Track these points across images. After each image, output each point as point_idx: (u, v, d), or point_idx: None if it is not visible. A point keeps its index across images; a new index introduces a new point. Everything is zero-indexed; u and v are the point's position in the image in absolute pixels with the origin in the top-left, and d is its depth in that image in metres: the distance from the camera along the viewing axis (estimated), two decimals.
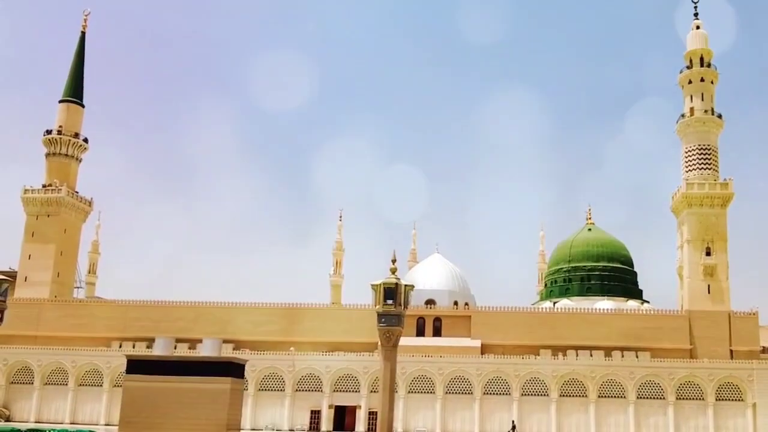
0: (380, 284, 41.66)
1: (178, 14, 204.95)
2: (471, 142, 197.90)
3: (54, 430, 38.51)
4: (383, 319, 41.49)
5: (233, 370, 46.04)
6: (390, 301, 41.41)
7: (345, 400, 73.85)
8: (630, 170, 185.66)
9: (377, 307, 41.75)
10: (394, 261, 43.81)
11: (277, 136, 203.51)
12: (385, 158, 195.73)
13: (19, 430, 36.25)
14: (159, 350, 47.22)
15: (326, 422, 72.97)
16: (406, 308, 42.28)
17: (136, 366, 45.80)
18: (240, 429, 47.27)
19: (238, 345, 78.96)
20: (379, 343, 41.89)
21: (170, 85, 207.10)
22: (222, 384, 44.15)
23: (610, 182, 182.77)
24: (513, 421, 67.84)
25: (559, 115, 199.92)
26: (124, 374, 74.99)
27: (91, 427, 69.97)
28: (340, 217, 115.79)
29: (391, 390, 40.88)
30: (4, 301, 42.57)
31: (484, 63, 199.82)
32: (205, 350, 47.01)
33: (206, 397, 43.63)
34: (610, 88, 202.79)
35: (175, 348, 78.33)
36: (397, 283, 41.62)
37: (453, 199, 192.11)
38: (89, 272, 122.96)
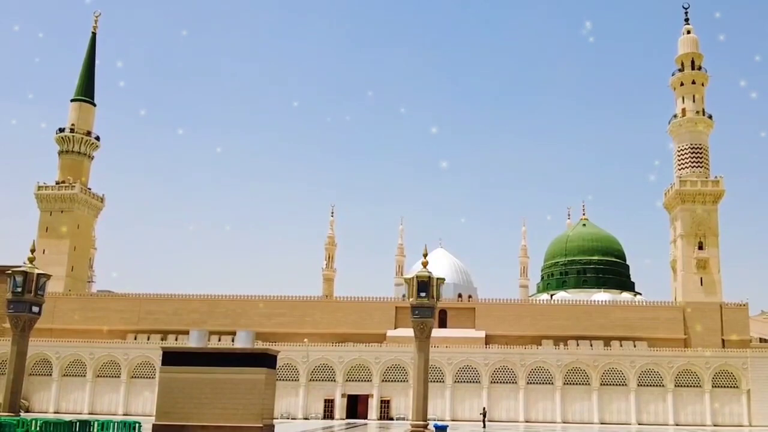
0: (413, 277, 41.31)
1: (184, 16, 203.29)
2: (467, 143, 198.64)
3: (98, 420, 37.81)
4: (417, 312, 41.09)
5: (267, 360, 45.59)
6: (423, 294, 41.05)
7: (357, 389, 73.56)
8: (620, 168, 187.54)
9: (411, 299, 41.29)
10: (425, 255, 43.54)
11: (280, 135, 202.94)
12: (382, 156, 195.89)
13: (69, 421, 35.52)
14: (193, 342, 46.61)
15: (339, 411, 72.65)
16: (438, 300, 42.00)
17: (172, 358, 45.15)
18: (273, 418, 46.98)
19: None
20: (413, 335, 41.50)
21: (177, 84, 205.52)
22: (257, 374, 43.65)
23: (600, 180, 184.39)
24: (484, 408, 67.34)
25: (554, 113, 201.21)
26: (140, 366, 74.97)
27: (109, 418, 69.08)
28: (332, 212, 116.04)
29: (425, 380, 40.69)
30: (42, 296, 41.95)
31: (479, 61, 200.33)
32: (239, 342, 46.54)
33: (242, 388, 43.16)
34: (604, 87, 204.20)
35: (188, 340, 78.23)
36: (429, 276, 41.29)
37: (450, 195, 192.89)
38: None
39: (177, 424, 41.88)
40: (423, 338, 41.27)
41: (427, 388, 40.81)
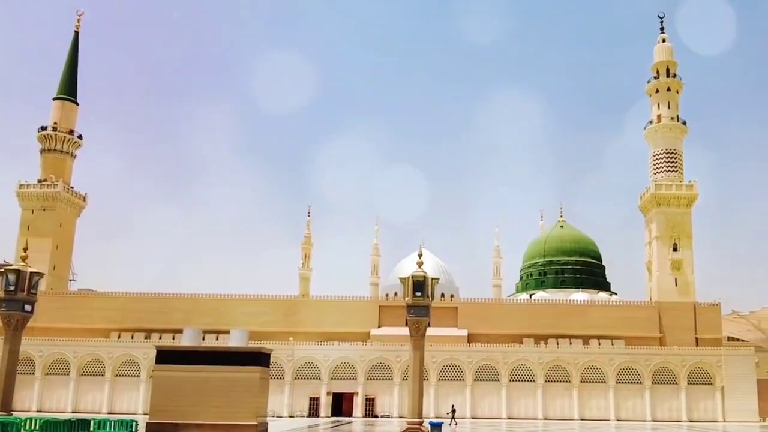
0: (409, 277, 41.29)
1: (174, 13, 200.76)
2: (447, 143, 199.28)
3: (95, 419, 37.24)
4: (412, 311, 41.14)
5: (261, 359, 45.22)
6: (419, 293, 41.13)
7: (342, 387, 73.35)
8: (596, 171, 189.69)
9: (407, 299, 41.34)
10: (420, 255, 43.67)
11: (270, 133, 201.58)
12: (359, 156, 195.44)
13: (69, 420, 34.89)
14: (187, 341, 46.00)
15: (325, 409, 72.32)
16: (433, 299, 42.09)
17: (166, 356, 44.51)
18: (267, 416, 46.59)
19: None
20: (409, 333, 41.50)
21: (167, 82, 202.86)
22: (252, 373, 43.20)
23: (576, 182, 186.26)
24: (452, 406, 67.44)
25: (534, 118, 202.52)
26: (125, 364, 73.84)
27: (93, 416, 67.90)
28: (309, 212, 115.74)
29: (420, 377, 40.56)
30: (35, 294, 41.20)
31: (457, 62, 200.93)
32: (234, 341, 46.06)
33: (237, 386, 42.62)
34: (582, 92, 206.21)
35: (174, 339, 77.26)
36: (425, 277, 41.37)
37: (427, 196, 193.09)
38: None
39: (172, 422, 41.30)
40: (418, 336, 41.33)
41: (423, 385, 40.70)
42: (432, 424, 39.67)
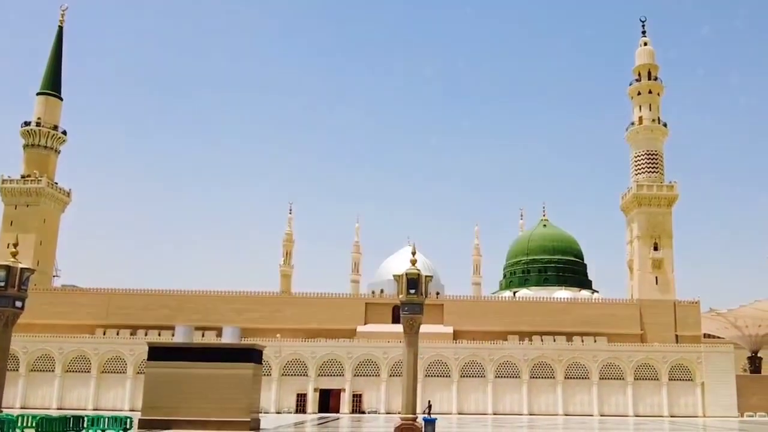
0: (403, 275, 41.10)
1: (159, 8, 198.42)
2: (432, 143, 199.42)
3: (88, 416, 36.73)
4: (406, 308, 40.75)
5: (253, 355, 45.01)
6: (413, 291, 40.86)
7: (330, 383, 73.12)
8: (578, 171, 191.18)
9: (400, 296, 41.03)
10: (414, 253, 43.46)
11: (260, 131, 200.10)
12: (341, 156, 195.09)
13: (64, 417, 34.36)
14: (180, 337, 45.68)
15: (312, 405, 72.05)
16: (426, 297, 41.95)
17: (158, 353, 44.12)
18: (259, 412, 46.35)
19: (220, 332, 76.95)
20: (402, 330, 41.29)
21: (153, 78, 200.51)
22: (244, 369, 43.06)
23: (558, 182, 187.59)
24: (429, 401, 67.54)
25: (518, 120, 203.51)
26: (111, 361, 72.78)
27: (81, 413, 66.93)
28: (290, 210, 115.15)
29: (414, 374, 40.34)
30: (26, 290, 40.49)
31: (444, 65, 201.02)
32: (226, 337, 45.85)
33: (229, 382, 42.45)
34: (565, 94, 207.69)
35: (159, 335, 76.42)
36: (419, 274, 41.16)
37: (409, 195, 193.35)
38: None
39: (164, 418, 40.87)
40: (412, 334, 40.95)
41: (416, 382, 40.53)
42: (426, 420, 39.52)
